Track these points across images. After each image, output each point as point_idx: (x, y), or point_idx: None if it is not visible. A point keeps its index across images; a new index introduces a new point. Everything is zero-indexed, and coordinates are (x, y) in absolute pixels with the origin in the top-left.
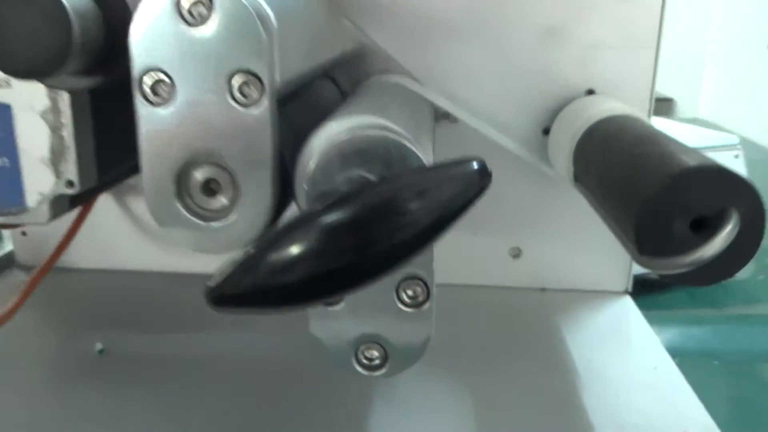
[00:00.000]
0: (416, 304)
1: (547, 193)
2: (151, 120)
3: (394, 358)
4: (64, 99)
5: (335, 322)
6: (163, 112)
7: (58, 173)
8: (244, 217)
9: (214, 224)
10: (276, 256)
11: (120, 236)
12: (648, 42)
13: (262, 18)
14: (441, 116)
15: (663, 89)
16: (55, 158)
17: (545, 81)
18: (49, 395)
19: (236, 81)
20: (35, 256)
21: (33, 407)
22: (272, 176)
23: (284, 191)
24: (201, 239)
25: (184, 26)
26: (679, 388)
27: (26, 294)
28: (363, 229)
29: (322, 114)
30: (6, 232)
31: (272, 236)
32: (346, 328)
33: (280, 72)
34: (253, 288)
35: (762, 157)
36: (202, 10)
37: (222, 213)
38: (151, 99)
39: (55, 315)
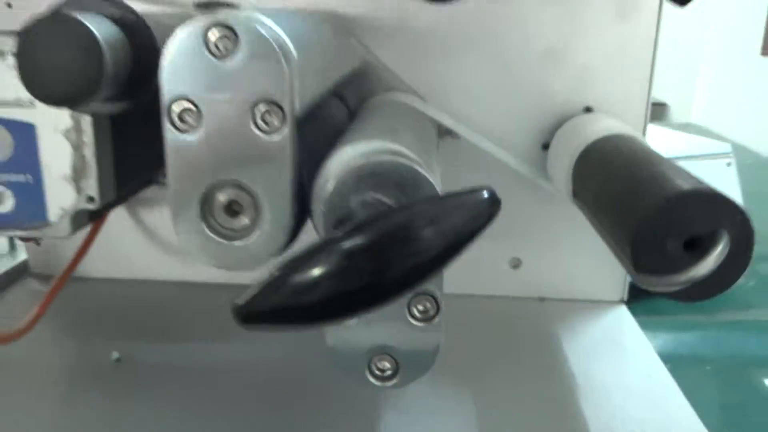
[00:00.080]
0: (426, 318)
1: (545, 206)
2: (178, 145)
3: (405, 368)
4: (86, 119)
5: (349, 334)
6: (189, 138)
7: (79, 189)
8: (265, 236)
9: (237, 243)
10: (299, 278)
11: (131, 246)
12: (643, 62)
13: (284, 51)
14: (444, 132)
15: (657, 94)
16: (77, 175)
17: (544, 99)
18: (70, 402)
19: (259, 110)
20: (48, 265)
21: (55, 414)
22: (292, 197)
23: (301, 209)
24: (224, 257)
25: (211, 59)
26: (672, 396)
27: (46, 304)
28: (380, 254)
29: (331, 131)
30: (20, 242)
31: (295, 260)
32: (360, 340)
33: (299, 99)
34: (278, 307)
35: (753, 162)
36: (228, 43)
37: (244, 232)
38: (178, 126)
39: (71, 323)
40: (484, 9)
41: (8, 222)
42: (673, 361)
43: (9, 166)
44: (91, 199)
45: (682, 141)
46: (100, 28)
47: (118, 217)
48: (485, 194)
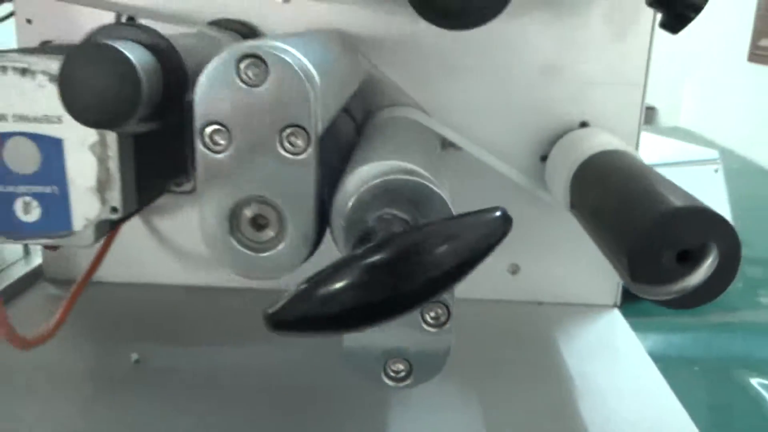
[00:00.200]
0: (439, 324)
1: (543, 214)
2: (209, 164)
3: (418, 370)
4: (111, 134)
5: (365, 338)
6: (219, 157)
7: (103, 200)
8: (289, 248)
9: (263, 255)
10: (324, 290)
11: (145, 252)
12: (636, 79)
13: (310, 79)
14: (447, 144)
15: (645, 98)
16: (102, 187)
17: (542, 114)
18: (95, 404)
19: (285, 132)
20: (63, 270)
21: (79, 415)
22: (314, 211)
23: (321, 221)
24: (251, 267)
25: (242, 86)
26: (663, 397)
27: (67, 309)
28: (399, 270)
29: (341, 144)
30: (34, 247)
31: (321, 273)
32: (376, 343)
33: (321, 121)
34: (305, 316)
35: (740, 166)
36: (258, 72)
37: (270, 244)
38: (210, 147)
39: (90, 327)
40: (486, 28)
41: (35, 231)
42: (662, 362)
43: (36, 178)
44: (114, 210)
45: (671, 147)
46: (136, 54)
47: (132, 223)
48: (498, 213)
